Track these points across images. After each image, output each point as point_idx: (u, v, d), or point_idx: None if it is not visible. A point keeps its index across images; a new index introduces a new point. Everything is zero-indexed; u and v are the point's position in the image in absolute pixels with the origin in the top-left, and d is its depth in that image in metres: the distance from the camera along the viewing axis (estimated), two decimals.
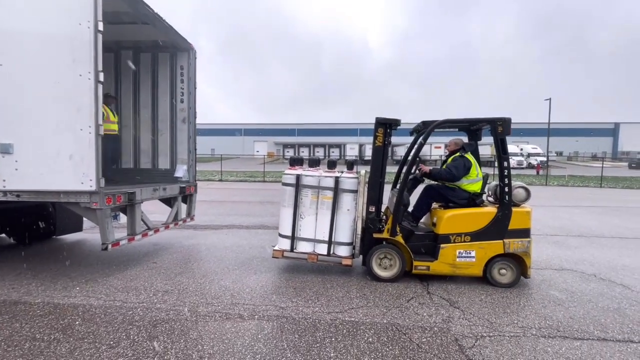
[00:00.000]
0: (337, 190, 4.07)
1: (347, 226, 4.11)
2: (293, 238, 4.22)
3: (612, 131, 55.84)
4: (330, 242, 4.13)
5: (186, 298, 3.47)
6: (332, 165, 4.34)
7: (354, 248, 4.15)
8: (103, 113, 5.48)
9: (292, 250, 4.24)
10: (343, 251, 4.14)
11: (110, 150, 5.58)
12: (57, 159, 3.59)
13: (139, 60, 6.00)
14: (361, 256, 4.17)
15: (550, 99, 27.62)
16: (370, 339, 2.71)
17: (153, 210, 6.11)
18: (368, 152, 39.94)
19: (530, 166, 31.75)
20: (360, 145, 44.51)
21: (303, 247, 4.23)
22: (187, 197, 5.70)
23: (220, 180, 21.05)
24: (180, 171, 5.87)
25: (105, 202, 3.72)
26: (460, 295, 3.62)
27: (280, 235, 4.30)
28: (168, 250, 5.37)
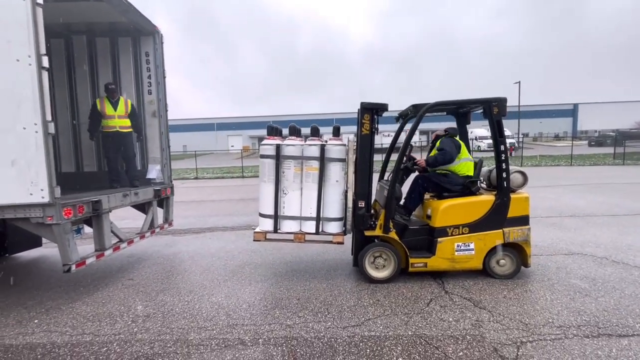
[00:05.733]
0: (323, 159, 3.62)
1: (337, 199, 3.68)
2: (276, 217, 3.76)
3: (572, 112, 58.88)
4: (318, 219, 3.69)
5: (173, 323, 2.93)
6: (315, 132, 3.86)
7: (345, 224, 3.75)
8: (96, 106, 4.70)
9: (275, 230, 3.79)
10: (333, 228, 3.72)
11: (114, 151, 4.84)
12: None
13: (94, 46, 5.20)
14: (353, 249, 3.78)
15: (519, 82, 28.45)
16: (401, 359, 2.32)
17: (124, 216, 5.42)
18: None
19: None
20: None
21: (288, 226, 3.77)
22: (163, 200, 5.06)
23: (196, 178, 20.01)
24: (154, 172, 5.19)
25: (63, 215, 3.07)
26: (481, 293, 3.32)
27: (261, 215, 3.84)
28: (146, 262, 4.73)
